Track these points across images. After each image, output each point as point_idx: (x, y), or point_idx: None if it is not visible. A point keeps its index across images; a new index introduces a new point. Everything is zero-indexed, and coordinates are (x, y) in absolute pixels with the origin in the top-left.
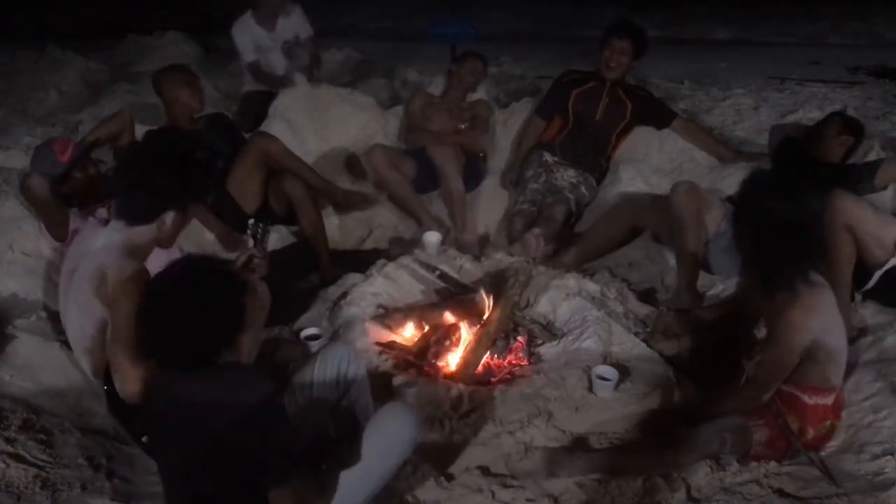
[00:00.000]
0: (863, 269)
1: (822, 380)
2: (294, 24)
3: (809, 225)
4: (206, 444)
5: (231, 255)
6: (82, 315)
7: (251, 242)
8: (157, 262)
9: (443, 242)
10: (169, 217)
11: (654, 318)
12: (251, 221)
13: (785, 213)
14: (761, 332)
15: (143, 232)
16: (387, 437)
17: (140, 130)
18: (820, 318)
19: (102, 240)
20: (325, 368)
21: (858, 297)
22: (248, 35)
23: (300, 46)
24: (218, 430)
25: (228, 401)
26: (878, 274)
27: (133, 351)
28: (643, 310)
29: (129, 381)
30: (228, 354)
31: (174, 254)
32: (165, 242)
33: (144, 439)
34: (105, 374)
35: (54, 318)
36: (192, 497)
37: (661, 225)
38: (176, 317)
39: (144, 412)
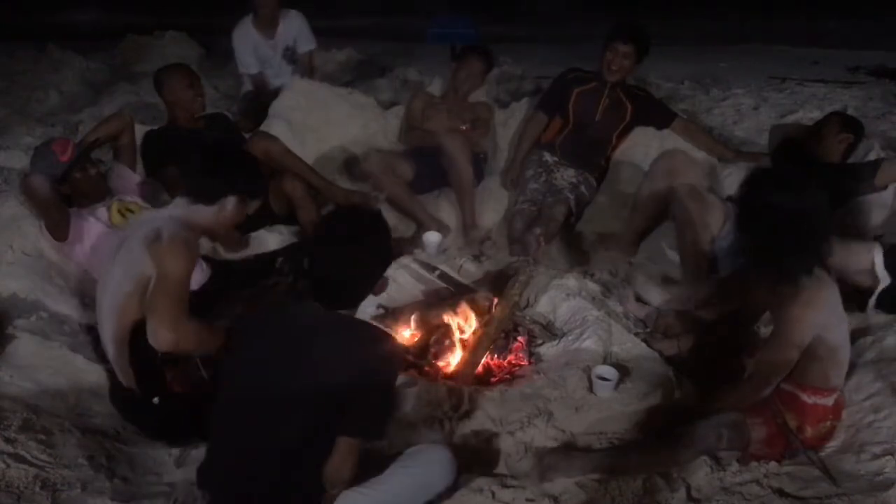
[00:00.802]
0: (859, 296)
1: (823, 379)
2: (293, 30)
3: (815, 218)
4: (318, 380)
5: (231, 256)
6: (125, 273)
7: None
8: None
9: (443, 246)
10: (230, 202)
11: (654, 318)
12: (281, 260)
13: (791, 205)
14: (762, 332)
15: (203, 212)
16: (426, 480)
17: (140, 130)
18: (822, 314)
19: (167, 212)
20: None
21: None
22: (248, 43)
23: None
24: (334, 371)
25: (354, 347)
26: (872, 301)
27: (179, 304)
28: (642, 311)
29: (167, 325)
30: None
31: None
32: (220, 229)
33: (155, 400)
34: (129, 336)
35: (54, 318)
36: (261, 436)
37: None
38: (348, 253)
39: (247, 340)
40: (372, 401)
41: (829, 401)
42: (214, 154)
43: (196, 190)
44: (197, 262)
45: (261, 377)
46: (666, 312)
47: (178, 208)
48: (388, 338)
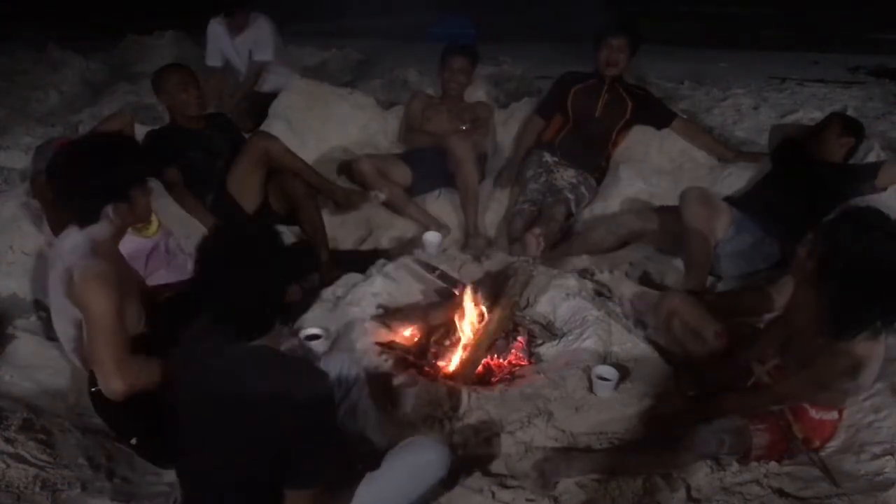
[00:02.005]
0: None
1: (837, 402)
2: (255, 35)
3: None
4: (249, 431)
5: None
6: (61, 316)
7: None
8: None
9: (443, 245)
10: (109, 210)
11: (659, 302)
12: None
13: (882, 256)
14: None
15: (97, 231)
16: (418, 467)
17: (140, 130)
18: (870, 368)
19: (70, 242)
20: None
21: None
22: (214, 39)
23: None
24: (268, 415)
25: (288, 390)
26: None
27: (115, 347)
28: (642, 296)
29: (113, 377)
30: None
31: (171, 244)
32: (135, 222)
33: (133, 441)
34: (90, 377)
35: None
36: (210, 482)
37: (666, 236)
38: (252, 276)
39: (180, 389)
40: (312, 447)
41: (835, 414)
42: (62, 182)
43: (73, 215)
44: (118, 290)
45: (196, 425)
46: (669, 294)
47: (79, 234)
48: (318, 377)
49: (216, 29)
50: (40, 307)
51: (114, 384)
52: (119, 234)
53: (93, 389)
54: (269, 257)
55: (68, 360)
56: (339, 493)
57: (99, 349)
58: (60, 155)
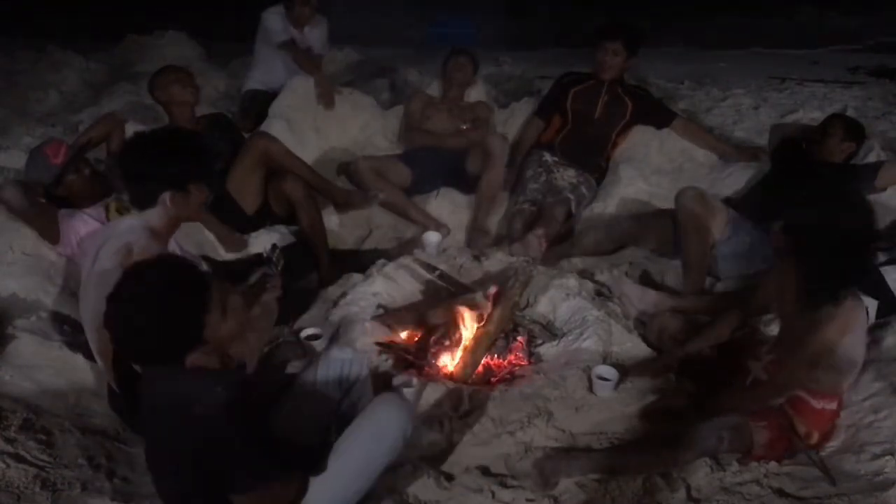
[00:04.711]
0: None
1: (835, 387)
2: (315, 37)
3: (871, 242)
4: (171, 445)
5: (231, 256)
6: (101, 291)
7: (272, 268)
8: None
9: (443, 245)
10: (167, 198)
11: (650, 318)
12: (270, 246)
13: (854, 228)
14: (763, 331)
15: (154, 215)
16: (379, 425)
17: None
18: (854, 335)
19: (127, 224)
20: (327, 370)
21: None
22: (280, 22)
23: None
24: (178, 434)
25: (185, 408)
26: (872, 314)
27: None
28: (642, 294)
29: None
30: (201, 356)
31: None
32: (187, 218)
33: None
34: (112, 355)
35: (54, 318)
36: (168, 492)
37: (663, 239)
38: (136, 310)
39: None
40: (225, 456)
41: (835, 404)
42: (128, 163)
43: (133, 199)
44: None
45: (146, 437)
46: (661, 313)
47: (137, 218)
48: (209, 390)
49: (279, 14)
50: (42, 308)
51: (112, 373)
52: (171, 224)
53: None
54: (171, 295)
55: (69, 361)
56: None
57: None
58: (133, 140)
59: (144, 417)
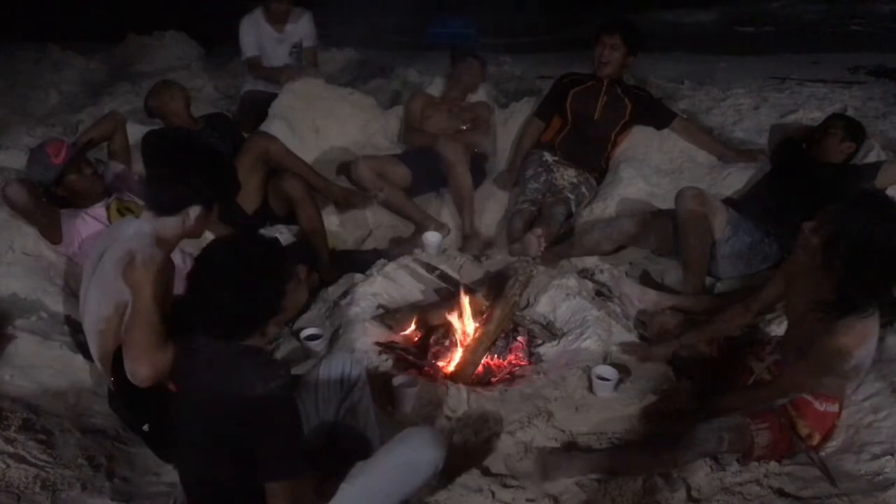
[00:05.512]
0: None
1: (839, 390)
2: (301, 31)
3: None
4: (216, 424)
5: None
6: (103, 296)
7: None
8: None
9: (443, 245)
10: (194, 212)
11: (650, 316)
12: None
13: (884, 237)
14: (763, 331)
15: (169, 224)
16: (416, 454)
17: (141, 131)
18: (868, 346)
19: (134, 228)
20: (329, 372)
21: None
22: (253, 31)
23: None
24: (228, 412)
25: (242, 386)
26: None
27: (153, 335)
28: (642, 294)
29: (143, 362)
30: (256, 337)
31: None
32: (191, 235)
33: (145, 428)
34: (112, 359)
35: (54, 318)
36: (198, 473)
37: (663, 240)
38: (224, 282)
39: (177, 380)
40: (273, 439)
41: (837, 406)
42: (172, 166)
43: (157, 201)
44: (174, 279)
45: (181, 422)
46: (661, 311)
47: (147, 223)
48: (273, 372)
49: (255, 21)
50: (42, 308)
51: (143, 370)
52: (182, 237)
53: (112, 378)
54: (265, 265)
55: (69, 361)
56: (325, 491)
57: (138, 333)
58: (172, 145)
59: (187, 393)
